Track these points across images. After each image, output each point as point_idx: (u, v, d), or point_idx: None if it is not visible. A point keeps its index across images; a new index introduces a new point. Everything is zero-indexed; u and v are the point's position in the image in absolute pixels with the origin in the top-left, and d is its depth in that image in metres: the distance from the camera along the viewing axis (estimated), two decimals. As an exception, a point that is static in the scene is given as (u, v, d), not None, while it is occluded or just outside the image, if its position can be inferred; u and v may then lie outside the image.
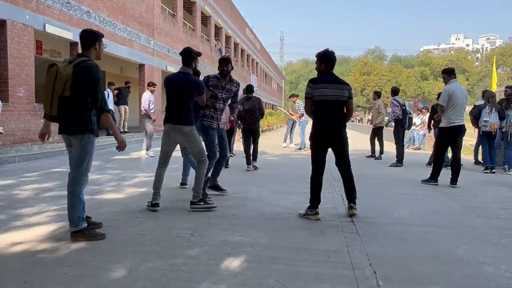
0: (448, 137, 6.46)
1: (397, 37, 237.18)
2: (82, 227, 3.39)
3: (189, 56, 4.46)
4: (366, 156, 10.59)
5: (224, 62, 4.98)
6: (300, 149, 12.23)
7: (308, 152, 11.98)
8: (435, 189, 6.15)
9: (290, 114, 12.61)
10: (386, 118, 11.91)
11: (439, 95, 7.03)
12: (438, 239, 3.63)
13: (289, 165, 8.85)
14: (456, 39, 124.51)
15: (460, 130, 6.42)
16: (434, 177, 6.56)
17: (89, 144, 3.37)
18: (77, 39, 11.29)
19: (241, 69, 33.40)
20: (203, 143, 4.64)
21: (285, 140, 13.16)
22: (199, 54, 4.59)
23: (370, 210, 4.67)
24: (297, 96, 12.87)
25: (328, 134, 4.26)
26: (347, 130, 4.44)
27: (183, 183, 5.91)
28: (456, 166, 6.47)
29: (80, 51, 3.59)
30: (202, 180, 4.54)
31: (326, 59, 4.27)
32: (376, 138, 10.54)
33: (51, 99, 3.28)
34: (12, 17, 9.11)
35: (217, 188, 5.34)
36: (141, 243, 3.38)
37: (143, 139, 10.70)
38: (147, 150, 9.98)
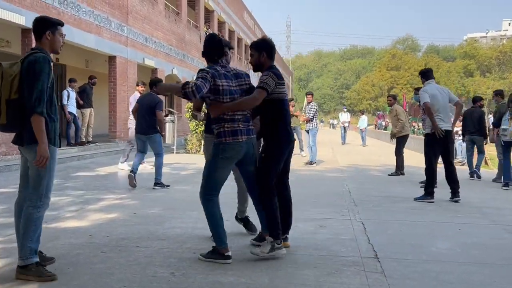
0: (437, 144, 7.01)
1: (434, 22, 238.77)
2: (32, 261, 3.40)
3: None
4: (389, 175, 10.62)
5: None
6: (310, 163, 12.42)
7: (319, 167, 12.17)
8: (483, 216, 6.15)
9: (295, 115, 13.36)
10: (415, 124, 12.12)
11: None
12: (486, 282, 3.62)
13: (297, 184, 8.82)
14: (509, 25, 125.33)
15: (447, 136, 7.01)
16: (429, 193, 7.02)
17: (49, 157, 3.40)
18: (31, 24, 11.37)
19: (237, 62, 33.61)
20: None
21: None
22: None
23: (399, 243, 4.66)
24: (312, 95, 13.38)
25: (292, 140, 4.30)
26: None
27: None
28: (452, 177, 7.06)
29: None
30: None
31: (268, 47, 4.27)
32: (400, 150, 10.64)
33: None
34: (-51, -3, 9.19)
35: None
36: (108, 284, 3.37)
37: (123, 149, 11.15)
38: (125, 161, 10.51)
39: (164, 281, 3.46)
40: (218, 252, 3.91)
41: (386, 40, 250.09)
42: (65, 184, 8.19)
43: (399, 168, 10.57)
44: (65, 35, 3.78)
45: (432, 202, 6.90)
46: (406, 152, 11.12)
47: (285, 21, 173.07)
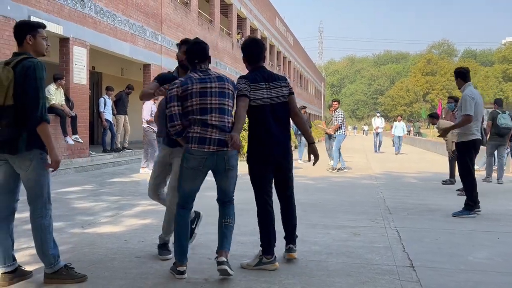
0: (472, 152, 6.68)
1: (471, 26, 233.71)
2: (60, 266, 3.50)
3: None
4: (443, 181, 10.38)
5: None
6: (341, 169, 12.43)
7: (352, 174, 12.04)
8: (522, 224, 5.96)
9: (322, 127, 12.83)
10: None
11: None
12: (527, 292, 3.51)
13: (329, 191, 8.80)
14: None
15: (477, 146, 6.70)
16: (473, 206, 6.47)
17: (44, 164, 3.43)
18: (69, 34, 11.79)
19: (269, 68, 33.63)
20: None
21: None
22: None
23: (436, 251, 4.57)
24: (338, 102, 13.20)
25: (273, 148, 4.06)
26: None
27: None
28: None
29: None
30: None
31: (245, 51, 4.21)
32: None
33: None
34: (-8, 9, 9.56)
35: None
36: (142, 289, 3.42)
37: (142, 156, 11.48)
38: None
39: (198, 287, 3.49)
40: (175, 266, 3.71)
41: (421, 45, 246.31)
42: (101, 190, 8.37)
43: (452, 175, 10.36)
44: (47, 37, 3.73)
45: (480, 211, 6.44)
46: (439, 157, 10.87)
47: (317, 27, 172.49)
